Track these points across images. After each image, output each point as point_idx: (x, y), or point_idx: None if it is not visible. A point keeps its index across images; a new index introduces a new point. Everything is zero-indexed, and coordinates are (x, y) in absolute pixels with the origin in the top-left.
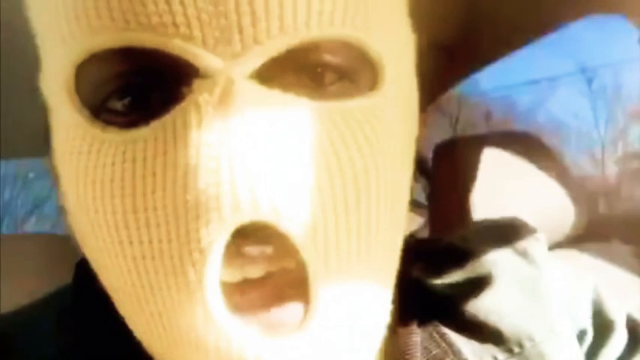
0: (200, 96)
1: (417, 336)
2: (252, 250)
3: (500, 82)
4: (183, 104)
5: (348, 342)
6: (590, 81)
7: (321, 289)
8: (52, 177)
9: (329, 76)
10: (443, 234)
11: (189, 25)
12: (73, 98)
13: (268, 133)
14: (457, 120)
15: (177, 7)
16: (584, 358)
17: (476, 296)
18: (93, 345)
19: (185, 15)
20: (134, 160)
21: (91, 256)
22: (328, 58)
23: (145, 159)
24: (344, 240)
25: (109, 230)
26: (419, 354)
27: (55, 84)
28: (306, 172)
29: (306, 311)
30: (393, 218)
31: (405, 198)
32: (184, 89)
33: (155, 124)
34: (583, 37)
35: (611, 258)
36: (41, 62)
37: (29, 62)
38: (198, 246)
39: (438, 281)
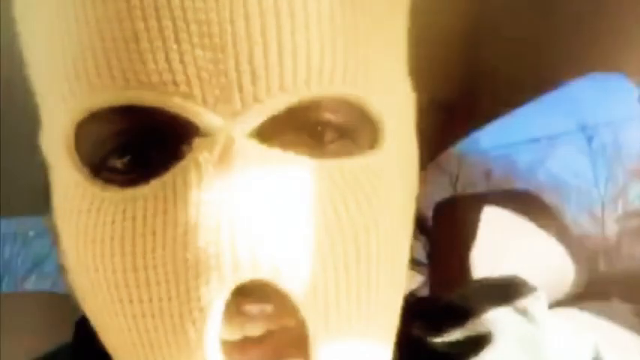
0: (200, 154)
1: None
2: (252, 308)
3: (500, 140)
4: (183, 162)
5: None
6: (590, 139)
7: (321, 347)
8: (51, 235)
9: (329, 135)
10: (443, 292)
11: (189, 84)
12: (73, 156)
13: (268, 192)
14: (457, 178)
15: (177, 65)
16: None
17: (476, 354)
18: None
19: (185, 73)
20: (134, 219)
21: (90, 314)
22: (328, 116)
23: (145, 217)
24: (344, 298)
25: (108, 289)
26: None
27: (55, 142)
28: (305, 231)
29: None
30: (393, 276)
31: (405, 256)
32: (184, 147)
33: (155, 183)
34: (583, 96)
35: (612, 316)
36: (41, 120)
37: (29, 120)
38: (198, 304)
39: (438, 339)
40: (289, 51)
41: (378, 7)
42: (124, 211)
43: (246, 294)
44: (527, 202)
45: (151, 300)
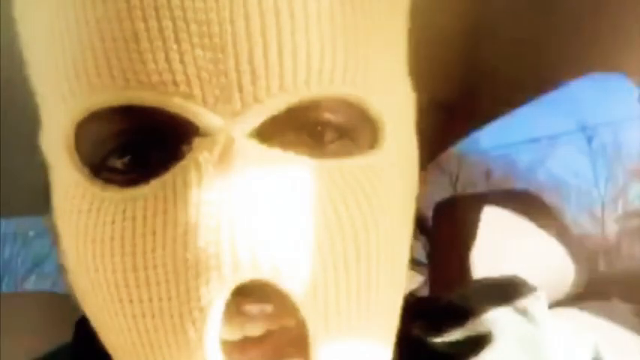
0: (200, 154)
1: None
2: (252, 308)
3: (500, 140)
4: (183, 162)
5: None
6: (590, 139)
7: (321, 347)
8: (51, 235)
9: (329, 135)
10: (443, 292)
11: (189, 84)
12: (73, 156)
13: (268, 192)
14: (457, 178)
15: (177, 65)
16: None
17: (476, 354)
18: None
19: (185, 73)
20: (134, 219)
21: (90, 314)
22: (328, 116)
23: (145, 217)
24: (344, 298)
25: (108, 289)
26: None
27: (55, 142)
28: (306, 231)
29: None
30: (393, 276)
31: (405, 256)
32: (184, 147)
33: (155, 183)
34: (583, 96)
35: (612, 316)
36: (41, 120)
37: (29, 120)
38: (198, 304)
39: (439, 339)
40: (289, 51)
41: (378, 7)
42: (124, 211)
43: (246, 294)
44: (527, 202)
45: (151, 300)
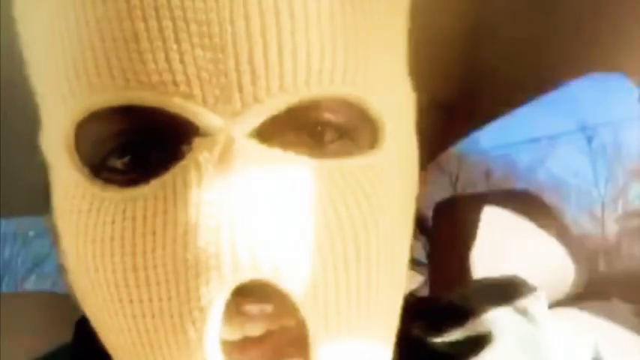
0: (200, 154)
1: None
2: (252, 308)
3: (500, 140)
4: (183, 162)
5: None
6: (590, 139)
7: (321, 347)
8: (51, 235)
9: (329, 135)
10: (443, 292)
11: (189, 84)
12: (73, 156)
13: (268, 192)
14: (457, 178)
15: (177, 65)
16: None
17: (476, 354)
18: None
19: (185, 73)
20: (134, 219)
21: (90, 314)
22: (328, 116)
23: (145, 217)
24: (344, 298)
25: (108, 289)
26: None
27: (55, 142)
28: (306, 231)
29: None
30: (393, 276)
31: (405, 256)
32: (184, 147)
33: (155, 183)
34: (583, 96)
35: (612, 316)
36: (41, 120)
37: (29, 120)
38: (198, 304)
39: (439, 339)
40: (289, 51)
41: (378, 7)
42: (124, 211)
43: (246, 294)
44: (527, 202)
45: (151, 300)
